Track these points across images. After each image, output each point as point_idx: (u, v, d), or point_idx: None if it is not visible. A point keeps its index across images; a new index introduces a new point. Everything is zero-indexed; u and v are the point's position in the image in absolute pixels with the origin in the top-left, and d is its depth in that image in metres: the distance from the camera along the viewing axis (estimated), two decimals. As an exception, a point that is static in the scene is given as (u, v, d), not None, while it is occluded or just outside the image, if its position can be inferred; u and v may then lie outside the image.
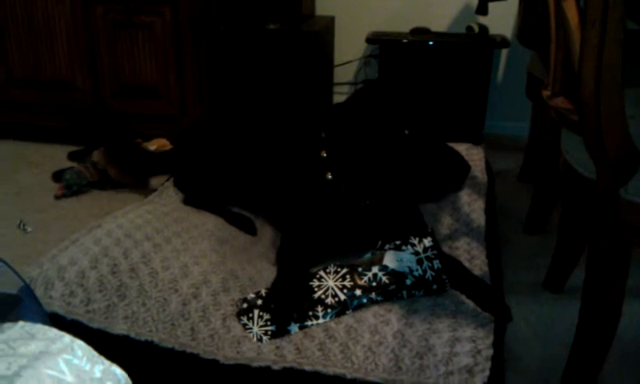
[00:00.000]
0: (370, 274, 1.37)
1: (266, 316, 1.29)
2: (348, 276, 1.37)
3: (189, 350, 1.23)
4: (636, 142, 1.08)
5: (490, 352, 1.19)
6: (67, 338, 0.75)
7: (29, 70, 2.74)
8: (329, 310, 1.31)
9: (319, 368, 1.17)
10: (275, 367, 1.17)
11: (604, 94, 1.02)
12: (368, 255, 1.45)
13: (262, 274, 1.47)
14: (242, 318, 1.30)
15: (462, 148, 2.19)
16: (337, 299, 1.33)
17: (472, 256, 1.53)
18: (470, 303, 1.35)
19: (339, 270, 1.39)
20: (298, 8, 2.77)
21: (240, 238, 1.67)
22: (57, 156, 2.64)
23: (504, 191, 2.28)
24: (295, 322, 1.28)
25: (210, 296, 1.35)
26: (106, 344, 1.23)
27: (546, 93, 1.43)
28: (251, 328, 1.27)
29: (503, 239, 1.88)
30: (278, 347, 1.23)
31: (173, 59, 2.58)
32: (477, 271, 1.47)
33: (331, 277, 1.37)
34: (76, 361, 0.71)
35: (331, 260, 1.45)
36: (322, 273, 1.39)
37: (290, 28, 2.69)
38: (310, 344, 1.23)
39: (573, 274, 1.67)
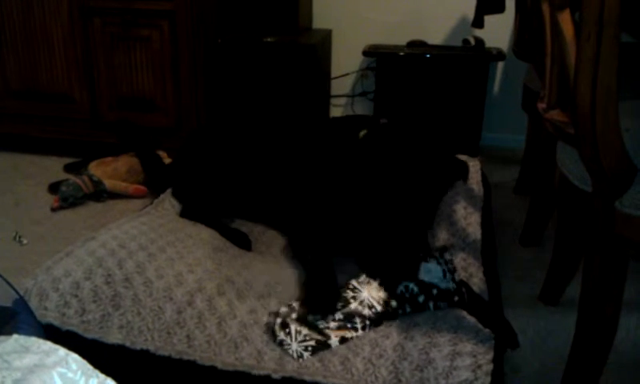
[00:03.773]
0: (402, 286, 1.36)
1: (305, 330, 1.24)
2: (382, 287, 1.36)
3: (185, 357, 1.22)
4: (632, 155, 1.08)
5: (490, 367, 1.18)
6: (62, 351, 0.74)
7: (26, 81, 2.74)
8: (367, 322, 1.29)
9: (319, 379, 1.16)
10: (275, 376, 1.17)
11: (599, 107, 1.03)
12: None
13: (259, 278, 1.46)
14: (278, 334, 1.24)
15: (458, 160, 2.20)
16: (374, 310, 1.31)
17: (469, 274, 1.52)
18: (471, 319, 1.34)
19: (371, 280, 1.37)
20: (295, 21, 2.78)
21: (235, 246, 1.68)
22: (53, 168, 2.64)
23: (500, 203, 2.28)
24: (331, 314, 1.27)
25: (205, 302, 1.34)
26: (101, 354, 1.24)
27: (541, 106, 1.43)
28: (290, 344, 1.23)
29: (499, 251, 1.88)
30: (279, 357, 1.22)
31: (170, 72, 2.59)
32: (474, 289, 1.47)
33: (365, 287, 1.35)
34: (70, 374, 0.71)
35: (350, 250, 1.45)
36: (354, 283, 1.36)
37: (288, 41, 2.70)
38: (310, 355, 1.23)
39: (569, 287, 1.67)
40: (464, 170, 1.63)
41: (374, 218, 1.44)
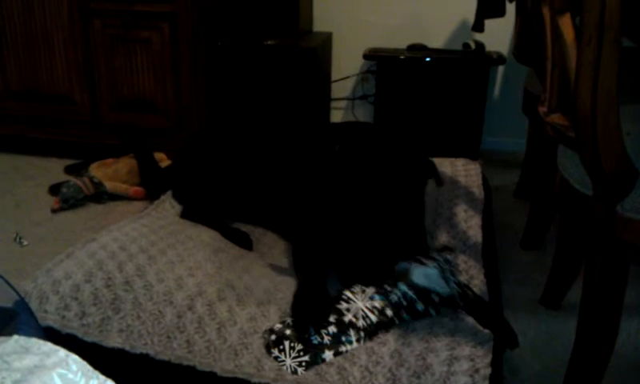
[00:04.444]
0: (399, 293, 1.33)
1: (299, 346, 1.22)
2: (377, 296, 1.32)
3: (185, 363, 1.22)
4: (633, 159, 1.08)
5: (488, 371, 1.18)
6: (62, 352, 0.74)
7: (26, 82, 2.74)
8: (362, 333, 1.26)
9: None
10: None
11: (600, 111, 1.03)
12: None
13: (260, 282, 1.46)
14: (272, 350, 1.23)
15: (459, 163, 2.20)
16: (369, 321, 1.28)
17: (470, 276, 1.52)
18: (469, 321, 1.33)
19: (365, 289, 1.34)
20: (296, 24, 2.79)
21: (236, 247, 1.68)
22: (53, 169, 2.64)
23: (501, 207, 2.28)
24: (314, 329, 1.24)
25: (206, 306, 1.34)
26: (101, 357, 1.24)
27: (542, 109, 1.43)
28: (284, 360, 1.21)
29: (500, 255, 1.88)
30: (278, 367, 1.22)
31: (170, 74, 2.59)
32: (475, 291, 1.47)
33: (359, 297, 1.32)
34: (71, 375, 0.71)
35: (349, 260, 1.44)
36: (348, 293, 1.33)
37: (288, 44, 2.70)
38: (304, 370, 1.22)
39: (571, 290, 1.67)
40: (432, 168, 1.64)
41: (346, 230, 1.45)
